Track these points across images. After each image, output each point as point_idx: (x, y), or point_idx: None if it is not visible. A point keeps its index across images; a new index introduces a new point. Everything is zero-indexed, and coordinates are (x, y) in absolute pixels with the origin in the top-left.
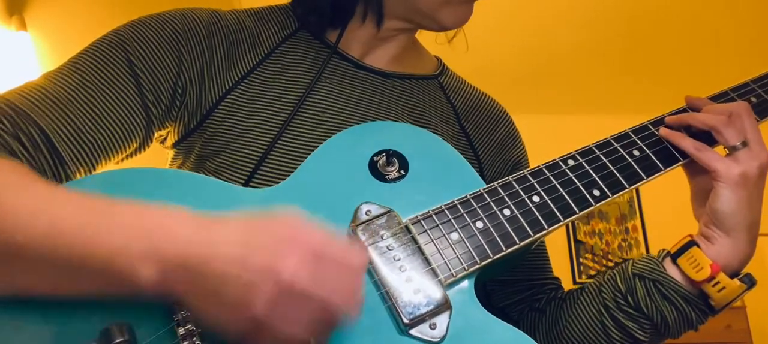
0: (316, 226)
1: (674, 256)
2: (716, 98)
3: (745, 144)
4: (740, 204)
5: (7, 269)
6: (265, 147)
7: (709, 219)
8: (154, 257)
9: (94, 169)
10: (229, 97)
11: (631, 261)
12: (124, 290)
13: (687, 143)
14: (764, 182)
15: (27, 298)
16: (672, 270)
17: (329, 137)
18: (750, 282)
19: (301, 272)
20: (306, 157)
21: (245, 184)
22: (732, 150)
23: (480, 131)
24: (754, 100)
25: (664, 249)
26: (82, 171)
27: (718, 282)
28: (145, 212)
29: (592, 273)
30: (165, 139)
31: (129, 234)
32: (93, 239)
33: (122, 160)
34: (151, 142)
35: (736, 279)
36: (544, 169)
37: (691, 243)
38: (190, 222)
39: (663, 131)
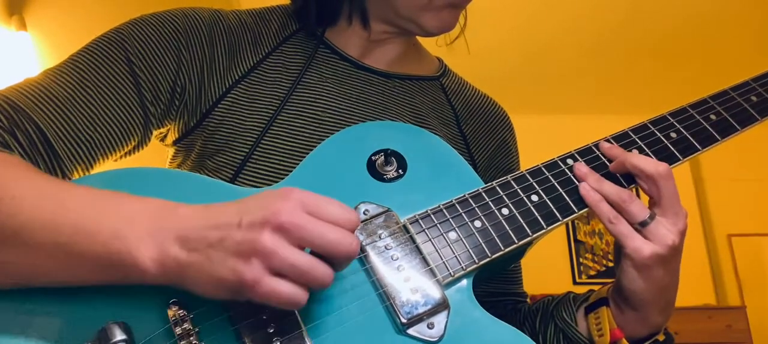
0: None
1: (589, 308)
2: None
3: (652, 217)
4: (647, 284)
5: (10, 250)
6: (263, 145)
7: (617, 290)
8: (153, 236)
9: (92, 168)
10: (229, 95)
11: (556, 302)
12: (124, 273)
13: (602, 211)
14: (678, 256)
15: (29, 295)
16: (582, 323)
17: (327, 135)
18: None
19: (295, 213)
20: (303, 155)
21: (242, 182)
22: (640, 225)
23: (478, 135)
24: (754, 99)
25: (589, 293)
26: (79, 169)
27: None
28: (146, 199)
29: (592, 273)
30: (165, 136)
31: (131, 216)
32: (96, 221)
33: (120, 158)
34: (149, 140)
35: None
36: (543, 169)
37: (604, 301)
38: (189, 207)
39: (582, 190)
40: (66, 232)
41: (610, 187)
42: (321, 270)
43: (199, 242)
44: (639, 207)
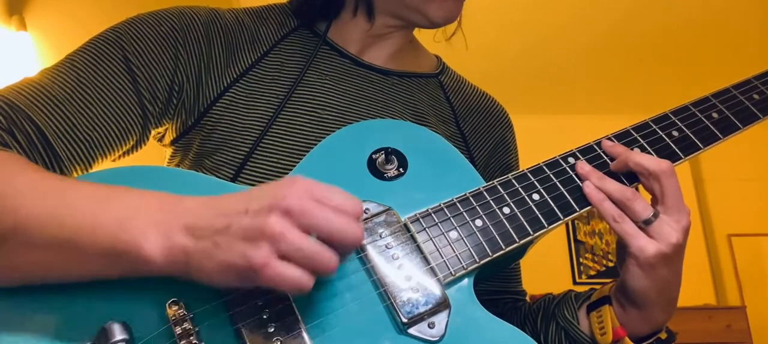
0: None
1: (591, 307)
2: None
3: (656, 215)
4: (652, 283)
5: (12, 247)
6: (263, 144)
7: (621, 288)
8: (159, 226)
9: (91, 167)
10: (226, 94)
11: (557, 300)
12: (129, 265)
13: (606, 209)
14: (682, 254)
15: (29, 294)
16: (584, 322)
17: (327, 133)
18: None
19: (302, 198)
20: (303, 153)
21: (242, 180)
22: (644, 224)
23: (477, 132)
24: (756, 97)
25: (590, 292)
26: (78, 168)
27: None
28: (149, 192)
29: (592, 273)
30: (163, 136)
31: (135, 208)
32: (100, 214)
33: (119, 157)
34: (148, 139)
35: None
36: (544, 167)
37: (607, 300)
38: (194, 198)
39: (586, 188)
40: (69, 226)
41: (613, 185)
42: (327, 255)
43: (206, 230)
44: (643, 205)
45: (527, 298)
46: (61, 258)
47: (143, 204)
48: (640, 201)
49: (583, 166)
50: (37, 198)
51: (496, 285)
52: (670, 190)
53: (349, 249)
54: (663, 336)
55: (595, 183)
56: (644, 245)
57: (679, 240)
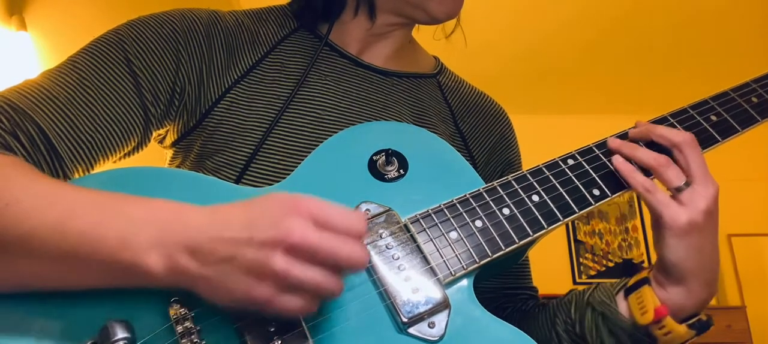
0: (314, 198)
1: (628, 291)
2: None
3: (688, 184)
4: (688, 252)
5: (14, 258)
6: (264, 145)
7: (658, 264)
8: (161, 246)
9: (92, 168)
10: (228, 95)
11: (590, 290)
12: (131, 280)
13: (637, 180)
14: (715, 223)
15: (29, 293)
16: (623, 306)
17: (328, 134)
18: (700, 327)
19: (307, 231)
20: (304, 154)
21: (243, 182)
22: (675, 191)
23: (476, 132)
24: (755, 100)
25: (626, 279)
26: (80, 169)
27: (664, 326)
28: (153, 204)
29: (592, 273)
30: (164, 138)
31: (137, 223)
32: (102, 228)
33: (120, 158)
34: (149, 140)
35: (684, 325)
36: (544, 169)
37: (645, 281)
38: (196, 212)
39: (616, 161)
40: (72, 240)
41: (645, 153)
42: (332, 283)
43: (209, 255)
44: (676, 172)
45: (538, 294)
46: (61, 270)
47: (143, 218)
48: (674, 168)
49: (614, 141)
50: (39, 210)
51: (510, 281)
52: (694, 160)
53: (356, 272)
54: (704, 317)
55: (627, 153)
56: (676, 213)
57: (709, 207)
